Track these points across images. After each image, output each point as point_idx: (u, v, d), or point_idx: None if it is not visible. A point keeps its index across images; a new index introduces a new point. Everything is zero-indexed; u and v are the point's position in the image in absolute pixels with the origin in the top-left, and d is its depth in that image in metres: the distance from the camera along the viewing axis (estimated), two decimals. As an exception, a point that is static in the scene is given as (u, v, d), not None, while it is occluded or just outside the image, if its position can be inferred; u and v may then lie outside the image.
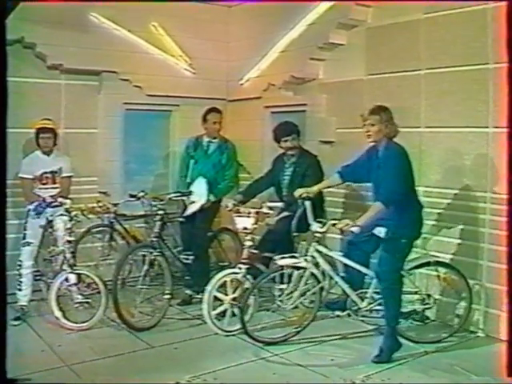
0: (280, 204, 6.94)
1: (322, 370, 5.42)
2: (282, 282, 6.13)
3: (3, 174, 4.25)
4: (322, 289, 6.12)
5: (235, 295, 6.33)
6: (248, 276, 6.33)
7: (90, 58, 7.99)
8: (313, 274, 6.04)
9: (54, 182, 7.05)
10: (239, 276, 6.33)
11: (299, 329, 6.19)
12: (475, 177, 6.37)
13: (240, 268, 6.35)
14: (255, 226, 6.49)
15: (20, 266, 6.74)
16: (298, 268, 6.04)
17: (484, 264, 6.27)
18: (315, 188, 6.33)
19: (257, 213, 6.51)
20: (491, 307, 6.18)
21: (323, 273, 6.11)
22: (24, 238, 6.81)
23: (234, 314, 6.34)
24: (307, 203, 6.12)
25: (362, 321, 6.27)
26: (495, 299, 6.10)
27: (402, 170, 5.57)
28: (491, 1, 6.04)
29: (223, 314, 6.37)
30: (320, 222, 6.00)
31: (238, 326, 6.23)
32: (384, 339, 5.73)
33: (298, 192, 6.22)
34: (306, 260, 6.01)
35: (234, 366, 5.48)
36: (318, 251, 6.06)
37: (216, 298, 6.34)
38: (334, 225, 5.80)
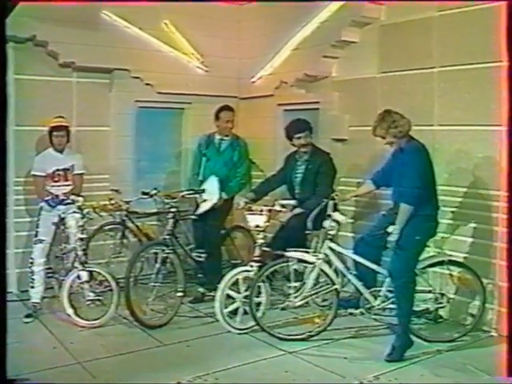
0: (292, 201, 6.94)
1: (333, 369, 5.39)
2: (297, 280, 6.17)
3: (4, 173, 4.26)
4: (336, 290, 6.10)
5: (247, 293, 6.32)
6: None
7: (102, 55, 7.99)
8: (324, 272, 6.04)
9: (66, 180, 7.05)
10: (251, 274, 6.32)
11: (320, 328, 6.18)
12: (488, 175, 6.32)
13: (252, 266, 6.34)
14: (267, 223, 6.48)
15: (32, 263, 6.76)
16: (307, 263, 6.05)
17: (497, 263, 6.22)
18: (349, 195, 6.49)
19: (269, 210, 6.51)
20: (504, 306, 6.12)
21: (335, 271, 6.10)
22: (36, 236, 6.83)
23: (246, 312, 6.34)
24: (330, 202, 6.12)
25: (375, 319, 6.28)
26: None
27: (420, 166, 5.61)
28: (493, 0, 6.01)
29: (235, 311, 6.37)
30: (334, 220, 6.01)
31: (250, 323, 6.27)
32: (396, 337, 5.72)
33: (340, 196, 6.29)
34: (317, 257, 6.00)
35: (246, 364, 5.48)
36: (330, 249, 6.06)
37: (228, 296, 6.34)
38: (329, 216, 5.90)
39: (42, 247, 6.79)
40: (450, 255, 6.35)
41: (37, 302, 6.78)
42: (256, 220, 6.47)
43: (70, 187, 7.05)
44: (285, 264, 6.16)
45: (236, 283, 6.39)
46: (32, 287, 6.78)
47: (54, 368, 5.26)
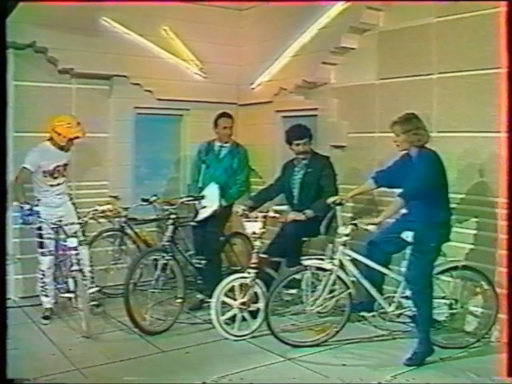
0: (285, 207, 6.97)
1: (335, 375, 5.39)
2: (293, 287, 6.21)
3: (3, 176, 4.25)
4: (350, 294, 6.09)
5: (244, 300, 6.33)
6: (257, 280, 6.33)
7: (101, 62, 8.01)
8: (340, 278, 6.04)
9: (63, 175, 7.01)
10: (248, 280, 6.33)
11: (330, 335, 6.21)
12: (487, 182, 6.33)
13: (249, 272, 6.34)
14: (263, 230, 6.49)
15: (43, 275, 6.80)
16: (324, 270, 6.05)
17: (496, 269, 6.21)
18: (350, 194, 6.41)
19: (264, 217, 6.53)
20: (503, 312, 6.09)
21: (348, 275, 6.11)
22: (41, 247, 6.79)
23: (244, 319, 6.34)
24: (338, 208, 6.16)
25: (375, 326, 6.36)
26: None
27: (428, 171, 5.63)
28: (495, 1, 6.01)
29: (233, 318, 6.37)
30: (345, 225, 6.04)
31: (248, 331, 6.31)
32: (418, 343, 5.72)
33: (333, 199, 6.26)
34: (333, 264, 6.01)
35: (245, 371, 5.46)
36: (345, 254, 6.06)
37: (226, 303, 6.34)
38: (355, 225, 5.91)
39: (49, 259, 6.78)
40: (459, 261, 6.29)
41: (51, 307, 6.88)
42: (252, 227, 6.48)
43: (66, 183, 7.07)
44: (303, 272, 6.17)
45: (232, 290, 6.39)
46: (46, 296, 6.86)
47: (53, 374, 5.24)
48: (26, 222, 6.55)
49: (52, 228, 6.67)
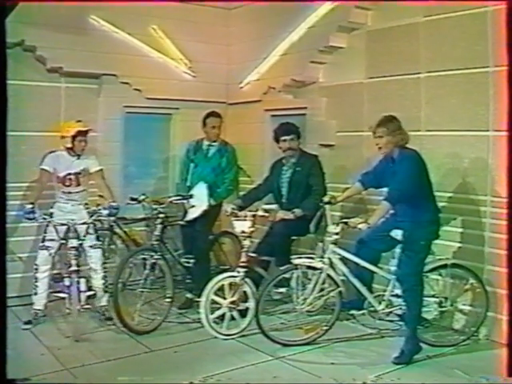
0: (274, 206, 6.99)
1: (324, 374, 5.40)
2: (283, 286, 6.27)
3: (3, 177, 4.24)
4: (340, 292, 6.11)
5: (233, 299, 6.33)
6: (246, 279, 6.33)
7: (90, 61, 7.99)
8: (330, 277, 6.05)
9: (78, 184, 6.93)
10: (237, 279, 6.33)
11: (320, 333, 6.21)
12: (476, 180, 6.35)
13: (238, 271, 6.35)
14: (252, 228, 6.50)
15: (36, 269, 6.70)
16: (314, 269, 6.06)
17: (485, 268, 6.24)
18: (339, 199, 6.40)
19: (253, 216, 6.54)
20: (492, 311, 6.12)
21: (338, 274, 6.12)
22: (42, 241, 6.73)
23: (233, 318, 6.35)
24: (327, 207, 6.18)
25: (363, 324, 6.37)
26: (496, 303, 6.05)
27: (411, 171, 5.64)
28: (491, 1, 6.02)
29: (222, 317, 6.36)
30: (335, 224, 6.04)
31: (237, 330, 6.30)
32: (405, 341, 5.73)
33: (327, 197, 6.30)
34: (323, 262, 6.02)
35: (234, 370, 5.47)
36: (334, 253, 6.07)
37: (215, 302, 6.33)
38: (346, 223, 5.88)
39: (47, 254, 6.70)
40: (448, 259, 6.29)
41: (39, 309, 6.72)
42: (241, 226, 6.49)
43: (83, 192, 6.99)
44: (293, 271, 6.17)
45: (221, 289, 6.39)
46: (35, 293, 6.72)
47: (42, 374, 5.23)
48: (29, 218, 6.49)
49: (56, 227, 6.61)
